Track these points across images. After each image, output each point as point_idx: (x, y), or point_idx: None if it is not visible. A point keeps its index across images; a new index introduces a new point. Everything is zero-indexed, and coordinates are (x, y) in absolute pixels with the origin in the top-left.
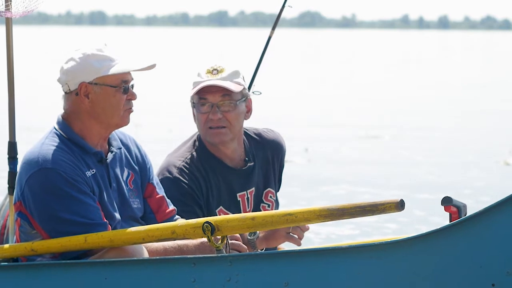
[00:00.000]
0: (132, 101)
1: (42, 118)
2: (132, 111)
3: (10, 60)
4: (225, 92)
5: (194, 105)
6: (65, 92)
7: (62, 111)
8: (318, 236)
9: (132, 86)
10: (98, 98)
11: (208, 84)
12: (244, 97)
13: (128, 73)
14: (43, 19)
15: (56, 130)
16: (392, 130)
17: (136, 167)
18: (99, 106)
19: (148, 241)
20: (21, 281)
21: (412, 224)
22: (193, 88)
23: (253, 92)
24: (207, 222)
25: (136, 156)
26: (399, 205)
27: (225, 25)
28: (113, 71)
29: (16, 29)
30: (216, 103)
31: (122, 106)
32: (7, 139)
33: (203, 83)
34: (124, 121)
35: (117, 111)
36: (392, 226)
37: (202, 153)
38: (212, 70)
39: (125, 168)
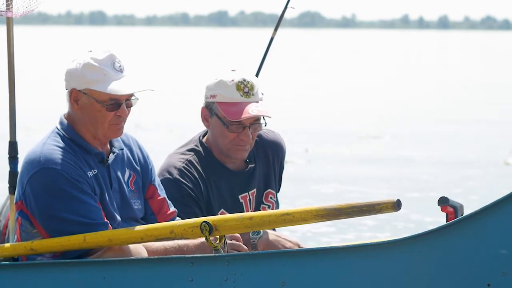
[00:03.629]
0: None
1: (42, 118)
2: (121, 126)
3: (10, 60)
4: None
5: (222, 122)
6: (66, 89)
7: (63, 111)
8: (293, 234)
9: (136, 101)
10: (85, 108)
11: (254, 115)
12: None
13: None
14: (43, 19)
15: (58, 130)
16: (392, 130)
17: (138, 168)
18: (87, 115)
19: (147, 240)
20: (20, 280)
21: (409, 224)
22: (218, 100)
23: None
24: (205, 221)
25: (138, 157)
26: (396, 205)
27: (225, 25)
28: (101, 88)
29: (16, 29)
30: (249, 125)
31: (108, 121)
32: (7, 138)
33: (245, 109)
34: (111, 134)
35: (102, 124)
36: (370, 223)
37: (204, 156)
38: (244, 88)
39: (126, 169)
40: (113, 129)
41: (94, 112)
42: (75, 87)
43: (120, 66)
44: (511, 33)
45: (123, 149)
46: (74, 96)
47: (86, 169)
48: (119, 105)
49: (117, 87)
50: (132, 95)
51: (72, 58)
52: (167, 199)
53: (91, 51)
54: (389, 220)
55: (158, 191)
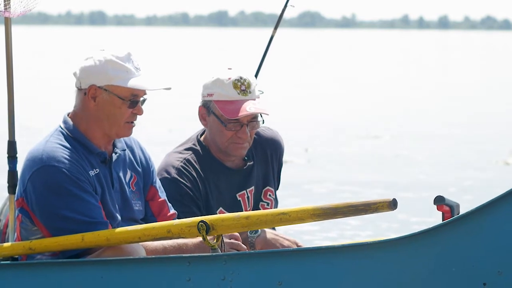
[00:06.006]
0: (138, 115)
1: (41, 117)
2: (133, 125)
3: (9, 60)
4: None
5: (220, 121)
6: (77, 88)
7: (64, 110)
8: (276, 231)
9: (143, 101)
10: (104, 104)
11: (251, 112)
12: None
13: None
14: (43, 19)
15: (61, 128)
16: (392, 130)
17: (140, 170)
18: (103, 112)
19: (144, 240)
20: (19, 280)
21: (393, 223)
22: (215, 98)
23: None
24: (202, 221)
25: (140, 159)
26: (392, 204)
27: (225, 25)
28: (124, 84)
29: (16, 29)
30: (246, 123)
31: (125, 119)
32: (6, 138)
33: (242, 106)
34: (124, 133)
35: (118, 122)
36: (353, 222)
37: (202, 155)
38: (240, 86)
39: (128, 170)
40: (127, 128)
41: (115, 109)
42: (94, 83)
43: (138, 64)
44: (511, 33)
45: (125, 150)
46: (93, 92)
47: (88, 168)
48: (136, 103)
49: (139, 83)
50: (144, 93)
51: (85, 56)
52: (167, 201)
53: (103, 49)
54: (373, 219)
55: (159, 193)
